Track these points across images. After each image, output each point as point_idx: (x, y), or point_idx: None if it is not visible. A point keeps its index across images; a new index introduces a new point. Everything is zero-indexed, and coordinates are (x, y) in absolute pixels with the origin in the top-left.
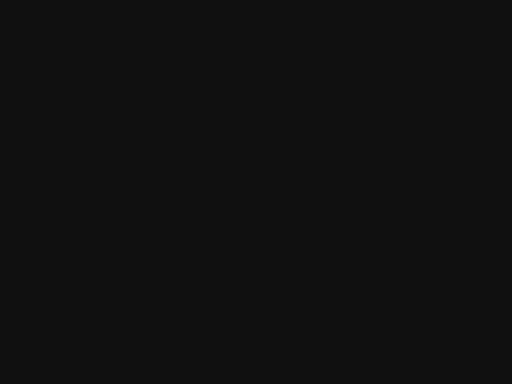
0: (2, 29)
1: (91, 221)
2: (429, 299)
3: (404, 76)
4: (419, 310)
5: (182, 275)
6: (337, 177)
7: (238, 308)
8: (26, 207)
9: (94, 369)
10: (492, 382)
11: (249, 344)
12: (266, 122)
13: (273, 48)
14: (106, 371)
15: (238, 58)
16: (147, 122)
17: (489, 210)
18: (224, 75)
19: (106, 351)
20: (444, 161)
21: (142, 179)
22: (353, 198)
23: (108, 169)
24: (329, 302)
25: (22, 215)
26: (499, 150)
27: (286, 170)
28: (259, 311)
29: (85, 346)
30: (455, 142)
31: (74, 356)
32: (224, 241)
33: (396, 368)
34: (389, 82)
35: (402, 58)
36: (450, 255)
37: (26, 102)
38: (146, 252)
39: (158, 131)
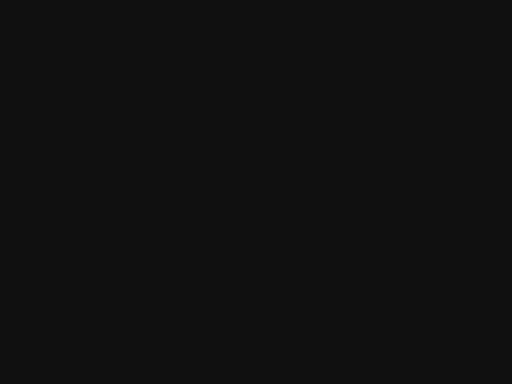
0: (1, 29)
1: (91, 220)
2: (429, 299)
3: (404, 76)
4: (419, 309)
5: (182, 275)
6: (337, 176)
7: (238, 308)
8: (26, 207)
9: (94, 369)
10: (492, 382)
11: (249, 344)
12: (265, 122)
13: (273, 48)
14: (106, 371)
15: (238, 58)
16: (147, 122)
17: (489, 210)
18: (224, 75)
19: (106, 351)
20: (444, 161)
21: (141, 179)
22: (353, 197)
23: (108, 169)
24: (329, 302)
25: (22, 215)
26: (499, 150)
27: (286, 170)
28: (259, 311)
29: (85, 346)
30: (455, 142)
31: (74, 356)
32: (224, 241)
33: (396, 368)
34: (389, 82)
35: (402, 58)
36: (450, 255)
37: (26, 102)
38: (145, 252)
39: (157, 131)
